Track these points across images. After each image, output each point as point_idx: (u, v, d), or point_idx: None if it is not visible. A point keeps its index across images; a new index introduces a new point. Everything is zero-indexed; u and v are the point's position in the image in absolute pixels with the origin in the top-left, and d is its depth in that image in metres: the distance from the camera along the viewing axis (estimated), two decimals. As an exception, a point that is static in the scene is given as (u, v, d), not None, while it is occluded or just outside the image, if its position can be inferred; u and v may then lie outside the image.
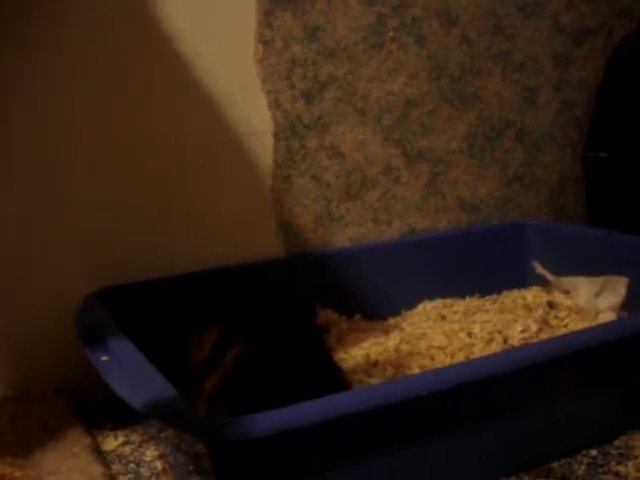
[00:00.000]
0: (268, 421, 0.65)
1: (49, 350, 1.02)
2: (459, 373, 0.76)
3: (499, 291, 1.24)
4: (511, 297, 1.20)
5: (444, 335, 1.04)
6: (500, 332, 1.03)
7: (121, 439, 0.95)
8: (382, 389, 0.75)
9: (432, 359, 1.00)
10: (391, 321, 1.17)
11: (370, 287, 1.17)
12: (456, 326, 1.07)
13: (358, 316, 1.16)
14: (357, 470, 0.73)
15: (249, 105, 1.10)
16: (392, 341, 1.05)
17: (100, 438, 0.95)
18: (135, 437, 0.95)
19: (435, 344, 1.02)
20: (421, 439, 0.75)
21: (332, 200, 1.18)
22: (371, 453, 0.73)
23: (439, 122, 1.25)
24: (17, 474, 0.75)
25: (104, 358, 0.82)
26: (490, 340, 1.02)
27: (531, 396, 0.82)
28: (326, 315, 1.14)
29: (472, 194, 1.30)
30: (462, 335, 1.03)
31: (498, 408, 0.80)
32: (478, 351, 1.00)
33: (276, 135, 1.13)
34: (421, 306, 1.20)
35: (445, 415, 0.76)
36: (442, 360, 0.99)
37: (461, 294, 1.22)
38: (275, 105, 1.12)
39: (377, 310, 1.18)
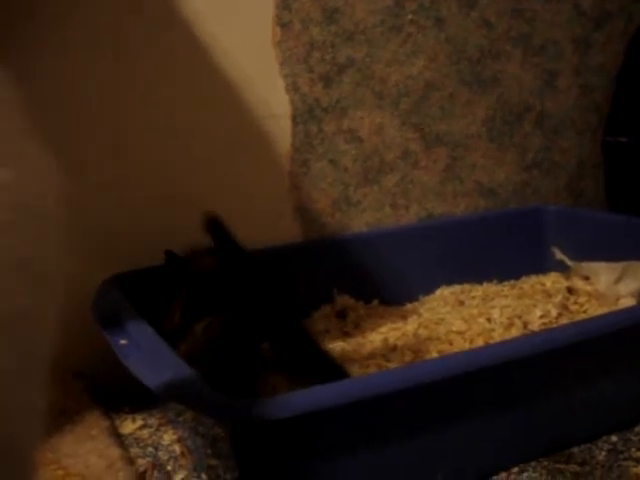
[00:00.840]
0: (288, 403, 0.65)
1: (65, 334, 1.01)
2: (479, 357, 0.76)
3: (517, 277, 1.23)
4: (530, 283, 1.19)
5: (463, 320, 1.03)
6: (520, 317, 1.02)
7: (139, 422, 0.95)
8: (401, 373, 0.75)
9: (451, 344, 0.99)
10: (409, 306, 1.16)
11: (388, 272, 1.17)
12: (475, 311, 1.06)
13: (376, 302, 1.16)
14: (375, 453, 0.72)
15: (267, 88, 1.09)
16: (410, 326, 1.04)
17: (118, 422, 0.95)
18: (153, 421, 0.95)
19: (454, 329, 1.01)
20: (440, 424, 0.75)
21: (350, 184, 1.18)
22: (389, 437, 0.72)
23: (458, 106, 1.24)
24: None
25: (123, 342, 0.81)
26: (510, 325, 1.01)
27: (551, 381, 0.81)
28: (343, 300, 1.13)
29: (490, 179, 1.29)
30: (481, 320, 1.03)
31: (518, 393, 0.79)
32: (497, 336, 0.99)
33: (294, 119, 1.12)
34: (439, 291, 1.19)
35: (464, 400, 0.76)
36: (461, 345, 0.98)
37: (479, 279, 1.21)
38: (293, 89, 1.11)
39: (395, 295, 1.17)
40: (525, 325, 1.01)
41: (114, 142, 1.02)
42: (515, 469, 0.81)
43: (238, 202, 1.10)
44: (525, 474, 0.80)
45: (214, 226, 0.93)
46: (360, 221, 1.20)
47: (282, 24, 1.08)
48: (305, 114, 1.12)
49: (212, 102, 1.06)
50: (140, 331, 0.82)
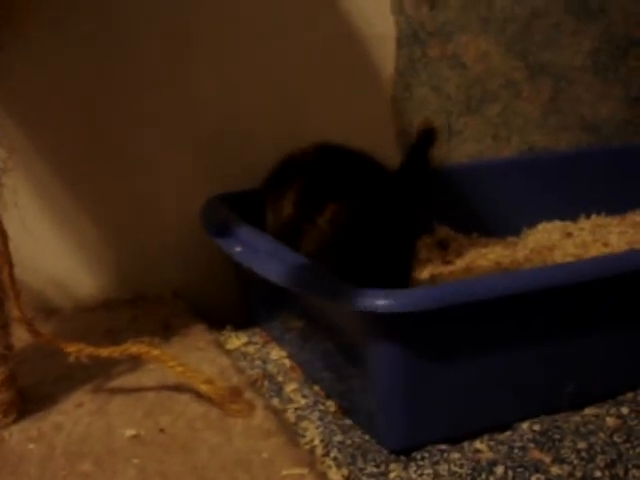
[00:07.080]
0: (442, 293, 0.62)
1: (165, 255, 1.00)
2: (621, 261, 0.72)
3: (623, 213, 1.18)
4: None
5: (577, 246, 0.99)
6: (640, 243, 0.97)
7: (243, 339, 0.93)
8: (547, 271, 0.71)
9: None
10: (511, 239, 1.12)
11: (488, 205, 1.12)
12: (589, 238, 1.01)
13: (475, 234, 1.12)
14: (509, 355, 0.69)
15: (372, 8, 1.06)
16: (521, 252, 1.00)
17: (222, 338, 0.93)
18: (257, 338, 0.93)
19: (570, 252, 0.96)
20: (575, 332, 0.71)
21: (452, 112, 1.14)
22: (523, 341, 0.69)
23: (563, 36, 1.19)
24: (154, 352, 0.72)
25: (238, 249, 0.79)
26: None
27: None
28: (443, 231, 1.10)
29: (594, 113, 1.24)
30: (597, 245, 0.98)
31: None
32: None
33: (398, 41, 1.08)
34: (541, 226, 1.14)
35: (598, 308, 0.72)
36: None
37: (582, 215, 1.17)
38: (399, 10, 1.07)
39: (495, 229, 1.13)
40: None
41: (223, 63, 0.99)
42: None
43: (340, 124, 1.06)
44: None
45: (426, 138, 0.88)
46: (461, 152, 1.16)
47: (391, -58, 1.04)
48: (410, 37, 1.09)
49: (320, 18, 1.03)
50: (256, 238, 0.80)
